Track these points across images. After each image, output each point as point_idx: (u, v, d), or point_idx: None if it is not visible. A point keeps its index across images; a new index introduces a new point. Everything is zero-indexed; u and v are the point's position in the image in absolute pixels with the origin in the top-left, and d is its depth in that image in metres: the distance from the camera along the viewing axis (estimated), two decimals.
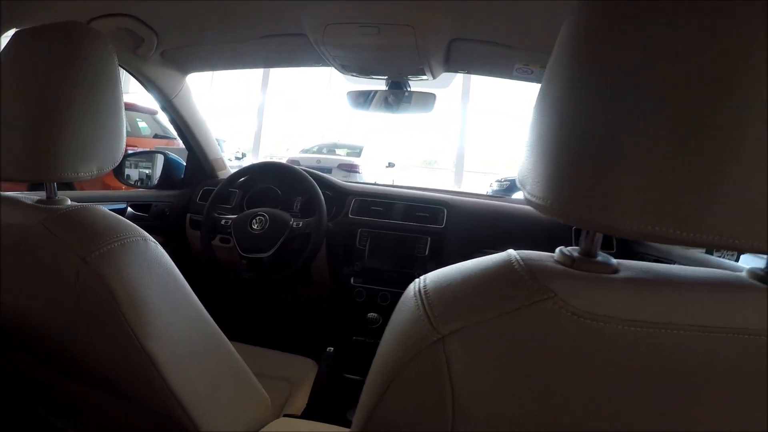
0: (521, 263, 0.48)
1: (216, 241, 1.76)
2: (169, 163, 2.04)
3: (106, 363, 0.76)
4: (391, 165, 11.06)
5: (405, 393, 0.50)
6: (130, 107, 7.12)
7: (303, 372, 1.49)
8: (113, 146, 0.79)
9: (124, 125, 0.82)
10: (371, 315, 1.61)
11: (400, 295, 0.54)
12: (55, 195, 0.80)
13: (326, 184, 1.76)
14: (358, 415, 0.56)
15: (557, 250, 0.50)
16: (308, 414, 1.35)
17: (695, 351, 0.45)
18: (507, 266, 0.48)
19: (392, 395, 0.50)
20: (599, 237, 0.49)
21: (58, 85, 0.73)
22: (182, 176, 2.03)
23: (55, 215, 0.74)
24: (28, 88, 0.74)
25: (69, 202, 0.79)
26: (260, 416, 1.01)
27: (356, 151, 9.86)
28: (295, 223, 1.58)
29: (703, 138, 0.39)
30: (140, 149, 2.39)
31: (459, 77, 1.97)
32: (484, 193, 2.68)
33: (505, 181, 9.53)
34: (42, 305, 0.76)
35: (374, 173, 9.56)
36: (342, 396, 1.58)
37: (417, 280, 0.52)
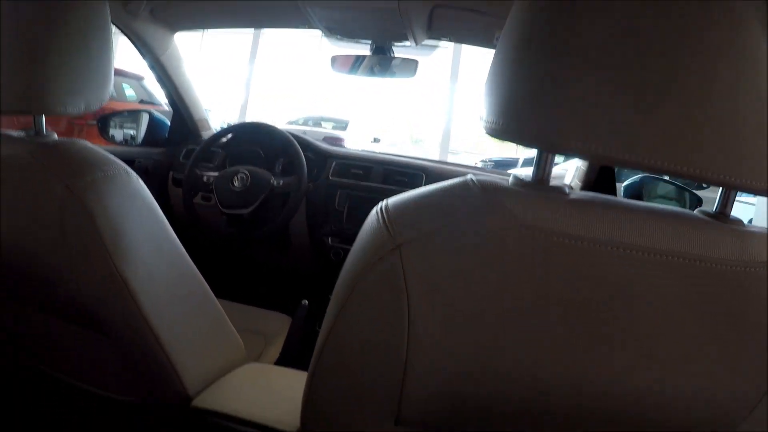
0: (475, 182, 0.51)
1: (197, 199, 1.78)
2: (154, 121, 2.06)
3: (84, 291, 0.79)
4: (376, 141, 11.01)
5: (366, 298, 0.54)
6: (117, 72, 6.99)
7: (277, 326, 1.53)
8: (101, 86, 0.82)
9: (112, 69, 0.84)
10: None
11: None
12: (44, 130, 0.82)
13: (308, 147, 1.78)
14: (324, 326, 0.60)
15: (511, 175, 0.53)
16: (281, 364, 1.39)
17: (638, 272, 0.48)
18: (462, 184, 0.52)
19: (354, 301, 0.54)
20: (551, 161, 0.51)
21: (49, 22, 0.75)
22: (166, 135, 2.04)
23: (43, 147, 0.77)
24: (20, 24, 0.76)
25: (56, 137, 0.81)
26: (234, 361, 1.03)
27: (342, 125, 9.83)
28: (275, 182, 1.61)
29: (642, 70, 0.43)
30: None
31: (449, 54, 2.00)
32: None
33: (489, 161, 9.57)
34: (27, 235, 0.79)
35: (359, 148, 9.51)
36: (314, 348, 1.62)
37: (380, 203, 0.56)
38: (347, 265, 0.57)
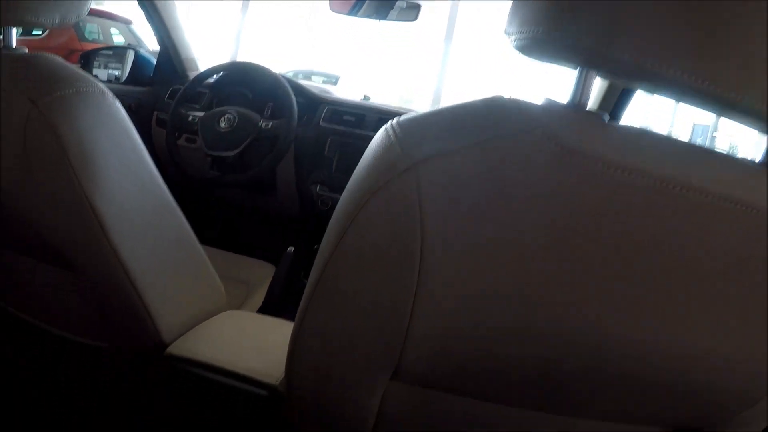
0: (508, 100, 0.46)
1: (181, 141, 1.73)
2: (139, 59, 1.98)
3: (49, 221, 0.74)
4: (366, 98, 10.86)
5: (370, 228, 0.49)
6: (105, 15, 6.84)
7: (261, 275, 1.49)
8: None
9: None
10: None
11: None
12: (13, 43, 0.76)
13: (299, 91, 1.72)
14: (317, 264, 0.55)
15: (545, 99, 0.48)
16: (263, 313, 1.35)
17: (686, 214, 0.43)
18: (493, 100, 0.46)
19: (356, 232, 0.49)
20: (590, 81, 0.46)
21: None
22: (152, 74, 1.97)
23: (10, 58, 0.71)
24: None
25: (26, 50, 0.75)
26: (214, 308, 1.00)
27: (332, 80, 9.67)
28: (264, 124, 1.56)
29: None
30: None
31: (445, 13, 1.93)
32: None
33: None
34: None
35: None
36: (298, 298, 1.60)
37: (389, 121, 0.50)
38: (348, 194, 0.52)
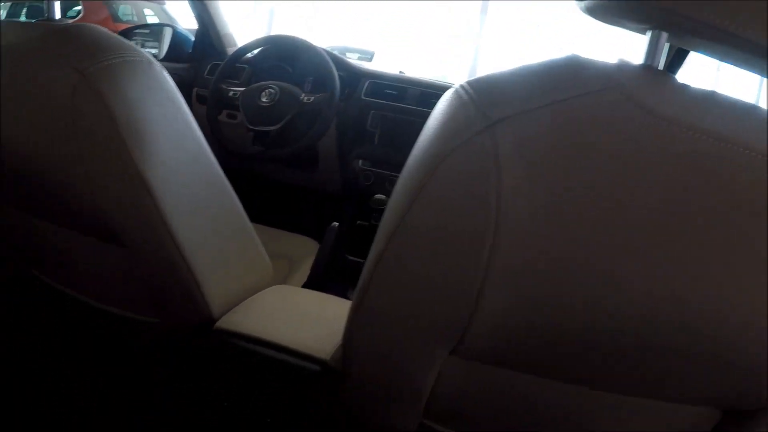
0: (585, 58, 0.44)
1: (222, 117, 1.72)
2: (177, 36, 1.96)
3: (99, 193, 0.72)
4: (402, 73, 10.78)
5: (444, 191, 0.46)
6: None
7: (304, 250, 1.48)
8: None
9: None
10: (378, 196, 1.58)
11: None
12: (55, 15, 0.75)
13: (340, 64, 1.69)
14: (384, 227, 0.53)
15: (618, 59, 0.46)
16: (307, 288, 1.35)
17: (756, 179, 0.41)
18: (570, 59, 0.44)
19: (426, 198, 0.47)
20: (663, 42, 0.44)
21: None
22: (190, 51, 1.95)
23: (54, 30, 0.69)
24: None
25: (69, 22, 0.74)
26: (262, 282, 0.99)
27: (367, 57, 9.58)
28: (305, 98, 1.53)
29: None
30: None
31: None
32: None
33: None
34: (38, 132, 0.72)
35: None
36: (342, 275, 1.58)
37: (457, 84, 0.48)
38: (413, 163, 0.50)
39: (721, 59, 0.47)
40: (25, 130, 0.73)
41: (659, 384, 0.57)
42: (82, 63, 0.65)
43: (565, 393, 0.62)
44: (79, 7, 6.15)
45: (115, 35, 0.71)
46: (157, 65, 0.71)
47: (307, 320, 0.91)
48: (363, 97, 1.65)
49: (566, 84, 0.43)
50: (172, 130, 0.72)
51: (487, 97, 0.44)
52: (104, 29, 0.71)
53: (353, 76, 1.70)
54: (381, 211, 1.63)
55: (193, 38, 1.97)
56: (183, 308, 0.84)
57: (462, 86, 0.46)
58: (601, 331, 0.50)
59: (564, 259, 0.45)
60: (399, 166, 0.58)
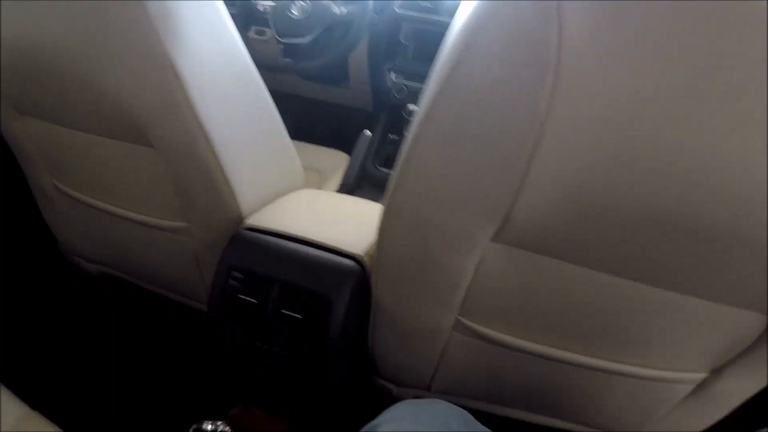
0: None
1: (251, 33, 1.69)
2: None
3: (132, 89, 0.72)
4: None
5: (502, 32, 0.42)
6: None
7: (335, 163, 1.48)
8: None
9: None
10: (411, 106, 1.57)
11: None
12: None
13: None
14: (432, 85, 0.50)
15: None
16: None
17: None
18: None
19: (476, 44, 0.45)
20: None
21: None
22: None
23: None
24: None
25: None
26: (293, 186, 0.99)
27: None
28: (338, 10, 1.50)
29: None
30: None
31: None
32: None
33: None
34: (69, 30, 0.71)
35: None
36: (373, 185, 1.59)
37: None
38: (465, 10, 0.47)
39: None
40: (58, 30, 0.73)
41: (703, 280, 0.55)
42: None
43: (610, 285, 0.61)
44: None
45: None
46: None
47: (340, 218, 0.91)
48: (397, 10, 1.60)
49: None
50: (205, 21, 0.72)
51: None
52: None
53: None
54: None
55: None
56: (212, 206, 0.84)
57: None
58: (653, 207, 0.48)
59: (625, 117, 0.42)
60: None
